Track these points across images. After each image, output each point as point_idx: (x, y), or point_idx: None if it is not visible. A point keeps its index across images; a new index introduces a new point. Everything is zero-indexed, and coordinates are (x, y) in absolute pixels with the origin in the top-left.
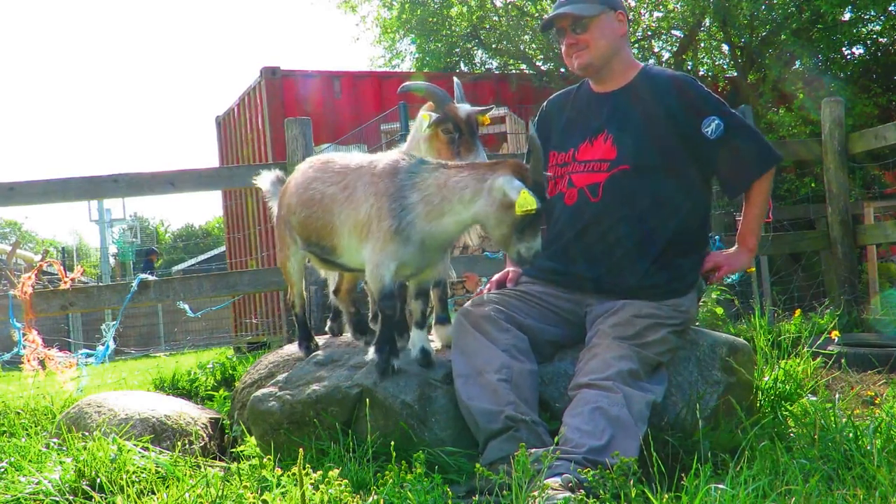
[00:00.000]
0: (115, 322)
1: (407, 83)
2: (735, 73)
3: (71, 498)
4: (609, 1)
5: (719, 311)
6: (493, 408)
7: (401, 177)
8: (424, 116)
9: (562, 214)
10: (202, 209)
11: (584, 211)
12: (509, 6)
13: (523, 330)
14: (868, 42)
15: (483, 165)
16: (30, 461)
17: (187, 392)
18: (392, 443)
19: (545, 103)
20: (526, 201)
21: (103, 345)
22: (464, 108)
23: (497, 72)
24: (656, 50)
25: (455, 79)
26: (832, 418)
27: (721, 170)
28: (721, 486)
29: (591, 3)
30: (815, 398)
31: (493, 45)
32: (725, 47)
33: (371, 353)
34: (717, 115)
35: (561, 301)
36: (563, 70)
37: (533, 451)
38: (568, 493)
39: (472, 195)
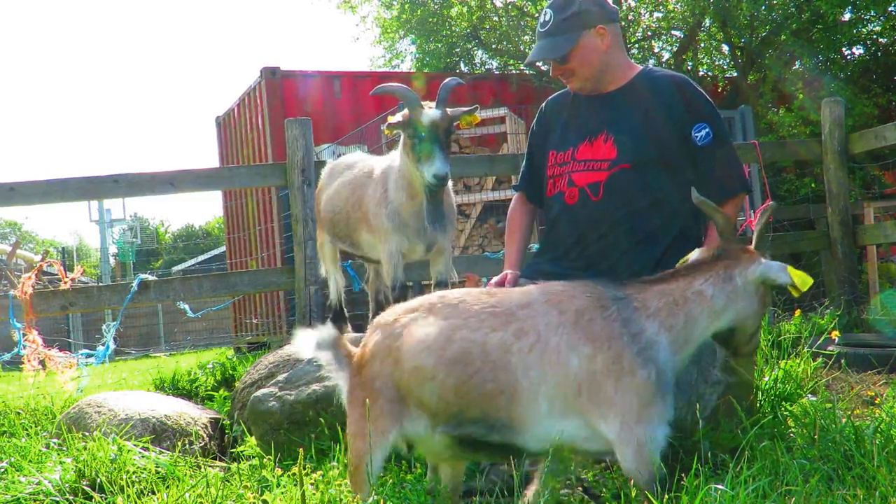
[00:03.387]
0: (115, 322)
1: (381, 85)
2: (735, 74)
3: (71, 498)
4: (585, 21)
5: None
6: None
7: (615, 308)
8: (388, 117)
9: (562, 214)
10: (202, 209)
11: (584, 210)
12: (509, 6)
13: None
14: (868, 42)
15: (710, 265)
16: (30, 461)
17: (187, 392)
18: None
19: (544, 104)
20: (803, 279)
21: (103, 345)
22: (427, 114)
23: (497, 72)
24: (656, 50)
25: (446, 80)
26: (832, 418)
27: (698, 179)
28: (721, 486)
29: (566, 35)
30: (815, 398)
31: (493, 46)
32: (725, 47)
33: None
34: (709, 123)
35: None
36: None
37: None
38: (569, 492)
39: (727, 301)
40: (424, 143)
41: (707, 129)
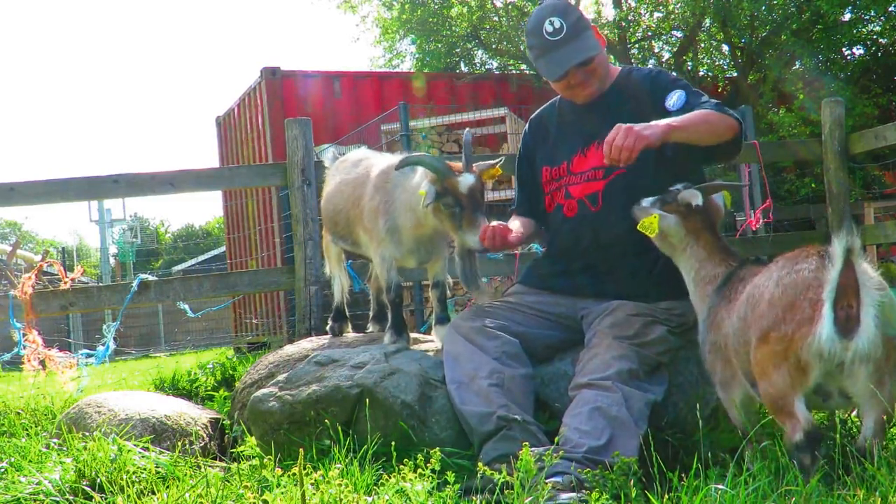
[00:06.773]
0: (115, 322)
1: (408, 156)
2: (735, 74)
3: (71, 498)
4: (588, 22)
5: None
6: (486, 410)
7: None
8: (421, 192)
9: (562, 227)
10: (202, 209)
11: (584, 221)
12: (509, 6)
13: (515, 336)
14: (868, 42)
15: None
16: (30, 461)
17: (187, 392)
18: (392, 443)
19: (528, 123)
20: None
21: (103, 345)
22: (465, 182)
23: (497, 72)
24: (656, 50)
25: (465, 134)
26: (832, 418)
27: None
28: (721, 486)
29: (585, 35)
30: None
31: (494, 46)
32: (726, 48)
33: None
34: (679, 88)
35: (555, 307)
36: None
37: (533, 450)
38: (571, 493)
39: None
40: (465, 211)
41: (679, 93)
